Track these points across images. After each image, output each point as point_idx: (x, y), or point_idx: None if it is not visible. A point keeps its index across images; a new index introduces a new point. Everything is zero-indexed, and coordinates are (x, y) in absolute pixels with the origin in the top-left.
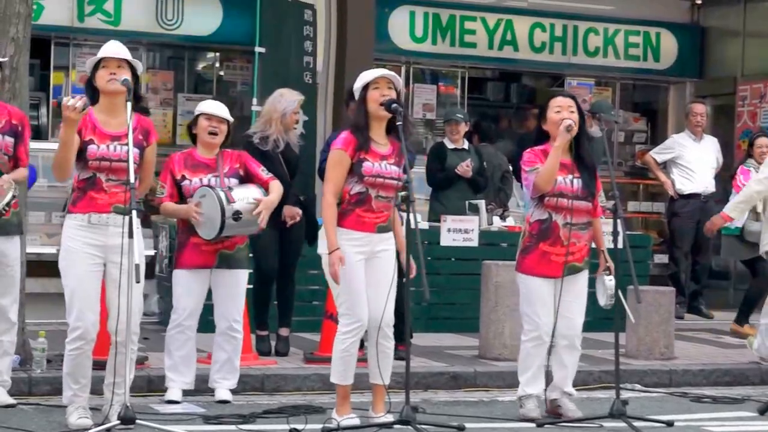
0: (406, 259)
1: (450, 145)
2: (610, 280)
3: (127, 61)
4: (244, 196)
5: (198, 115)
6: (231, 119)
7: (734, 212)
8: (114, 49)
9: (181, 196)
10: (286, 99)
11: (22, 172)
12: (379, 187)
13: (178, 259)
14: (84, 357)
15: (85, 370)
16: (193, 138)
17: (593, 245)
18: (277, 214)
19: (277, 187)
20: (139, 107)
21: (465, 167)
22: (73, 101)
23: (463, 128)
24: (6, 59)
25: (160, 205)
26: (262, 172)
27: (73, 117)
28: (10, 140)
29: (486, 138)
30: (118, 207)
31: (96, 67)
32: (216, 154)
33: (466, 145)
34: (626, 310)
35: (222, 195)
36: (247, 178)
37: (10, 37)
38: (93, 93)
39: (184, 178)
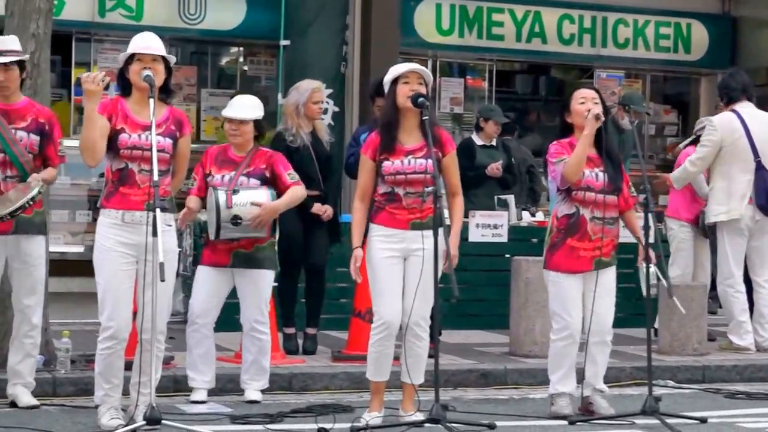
0: (435, 255)
1: (479, 142)
2: (652, 271)
3: (162, 57)
4: (248, 200)
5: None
6: (253, 117)
7: (677, 183)
8: (147, 43)
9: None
10: (299, 91)
11: (51, 172)
12: (404, 184)
13: (202, 255)
14: (115, 357)
15: (116, 370)
16: None
17: (623, 239)
18: (303, 210)
19: (292, 193)
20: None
21: (495, 169)
22: (92, 74)
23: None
24: (27, 56)
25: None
26: (287, 176)
27: (93, 89)
28: (35, 138)
29: (509, 132)
30: (151, 204)
31: (129, 59)
32: (248, 151)
33: (494, 141)
34: (677, 304)
35: (222, 198)
36: (272, 180)
37: (31, 33)
38: (124, 84)
39: (210, 173)
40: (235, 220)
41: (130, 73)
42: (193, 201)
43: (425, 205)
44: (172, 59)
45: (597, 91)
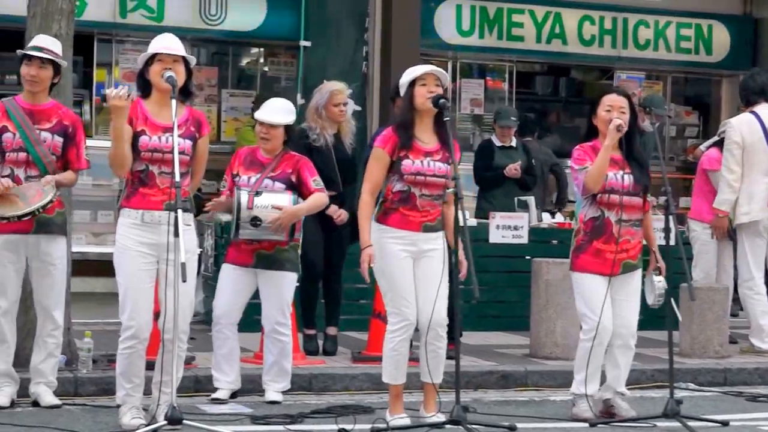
0: (454, 257)
1: (498, 143)
2: (659, 281)
3: (183, 57)
4: (269, 203)
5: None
6: (285, 122)
7: (726, 205)
8: (168, 43)
9: None
10: (321, 92)
11: (70, 175)
12: (422, 185)
13: (226, 254)
14: (136, 356)
15: (137, 369)
16: None
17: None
18: (321, 212)
19: (314, 199)
20: (191, 102)
21: (514, 170)
22: (117, 90)
23: (514, 129)
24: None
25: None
26: (312, 182)
27: (120, 104)
28: (59, 140)
29: (529, 133)
30: (170, 204)
31: (149, 60)
32: (276, 154)
33: (514, 142)
34: (675, 310)
35: (244, 199)
36: (298, 185)
37: (53, 34)
38: (144, 85)
39: (237, 174)
40: (255, 221)
41: (150, 73)
42: (224, 197)
43: (437, 208)
44: (193, 60)
45: (627, 96)
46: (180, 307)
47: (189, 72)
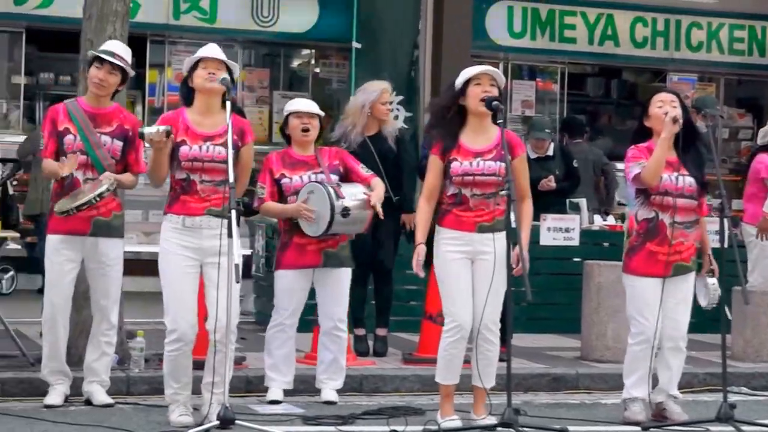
0: (508, 257)
1: (533, 155)
2: (713, 283)
3: (226, 65)
4: (352, 192)
5: (287, 115)
6: (321, 114)
7: None
8: (213, 51)
9: (281, 195)
10: (367, 91)
11: (130, 177)
12: (472, 186)
13: (281, 260)
14: (183, 357)
15: (184, 369)
16: (287, 139)
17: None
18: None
19: (379, 183)
20: (235, 108)
21: (547, 184)
22: (154, 132)
23: (548, 141)
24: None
25: (261, 206)
26: (362, 169)
27: (160, 146)
28: (118, 144)
29: (578, 135)
30: (212, 210)
31: (194, 67)
32: (313, 151)
33: (551, 151)
34: (727, 313)
35: (331, 190)
36: (347, 175)
37: (108, 36)
38: (188, 93)
39: (283, 176)
40: (346, 211)
41: (194, 78)
42: (278, 206)
43: (492, 207)
44: (236, 68)
45: (677, 94)
46: (232, 308)
47: (232, 80)
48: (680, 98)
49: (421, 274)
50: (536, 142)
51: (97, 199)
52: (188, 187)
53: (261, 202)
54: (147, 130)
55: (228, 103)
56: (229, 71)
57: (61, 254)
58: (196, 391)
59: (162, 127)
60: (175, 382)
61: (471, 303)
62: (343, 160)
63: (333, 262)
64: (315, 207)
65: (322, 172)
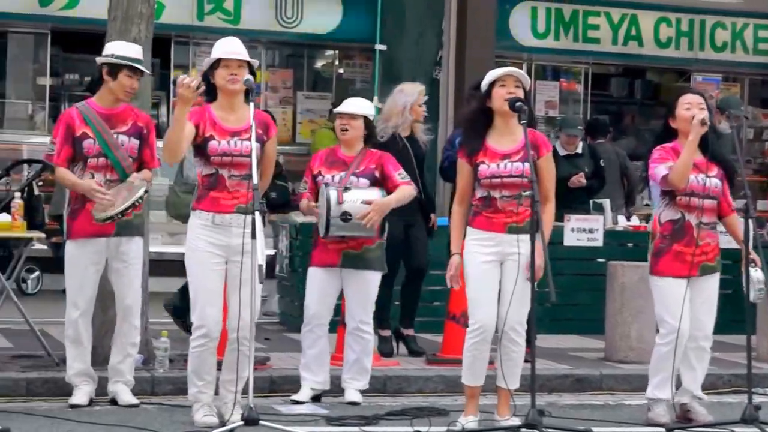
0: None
1: (562, 152)
2: (756, 271)
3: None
4: (359, 197)
5: (336, 115)
6: (363, 113)
7: None
8: (233, 48)
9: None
10: (406, 93)
11: (148, 174)
12: (500, 188)
13: (311, 256)
14: (208, 354)
15: (209, 367)
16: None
17: (722, 245)
18: (404, 213)
19: (401, 191)
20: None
21: (578, 181)
22: (189, 80)
23: (580, 137)
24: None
25: (301, 201)
26: (397, 176)
27: (188, 95)
28: (135, 142)
29: (601, 135)
30: (241, 207)
31: (215, 64)
32: (358, 151)
33: (580, 148)
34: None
35: (333, 194)
36: (382, 180)
37: (133, 37)
38: (210, 88)
39: (319, 173)
40: (345, 216)
41: (216, 77)
42: (305, 202)
43: (522, 209)
44: (256, 63)
45: (702, 95)
46: (253, 307)
47: (252, 75)
48: (706, 99)
49: (456, 286)
50: (568, 139)
51: (140, 201)
52: (217, 183)
53: (301, 197)
54: (180, 76)
55: (251, 105)
56: (250, 66)
57: (84, 257)
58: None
59: (197, 80)
60: (199, 379)
61: (496, 304)
62: (382, 165)
63: (355, 263)
64: (320, 208)
65: (352, 174)
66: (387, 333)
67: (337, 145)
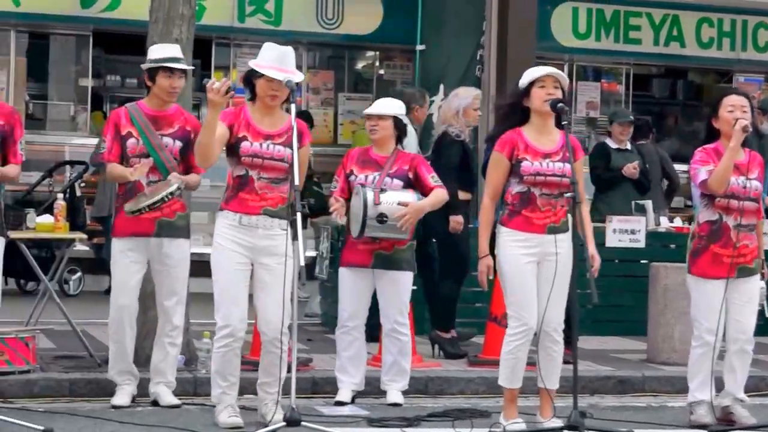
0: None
1: (613, 145)
2: (762, 287)
3: None
4: (395, 199)
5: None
6: (390, 113)
7: None
8: (280, 63)
9: (351, 192)
10: (460, 96)
11: (195, 177)
12: (542, 185)
13: (341, 257)
14: (232, 354)
15: (233, 368)
16: None
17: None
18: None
19: (435, 195)
20: (303, 113)
21: (632, 169)
22: (218, 84)
23: (631, 129)
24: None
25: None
26: (431, 179)
27: (218, 100)
28: (179, 145)
29: (643, 136)
30: (268, 210)
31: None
32: (390, 152)
33: (628, 145)
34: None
35: (369, 195)
36: (416, 182)
37: (174, 38)
38: (251, 88)
39: (351, 172)
40: (381, 217)
41: (257, 85)
42: (334, 200)
43: (558, 208)
44: (300, 78)
45: (747, 96)
46: (285, 309)
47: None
48: (750, 102)
49: (486, 288)
50: (621, 129)
51: (169, 197)
52: (246, 184)
53: (331, 195)
54: (210, 81)
55: (293, 106)
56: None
57: (127, 256)
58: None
59: (227, 83)
60: (223, 380)
61: (536, 305)
62: (416, 167)
63: (387, 264)
64: (354, 209)
65: (386, 175)
66: (450, 335)
67: (370, 145)
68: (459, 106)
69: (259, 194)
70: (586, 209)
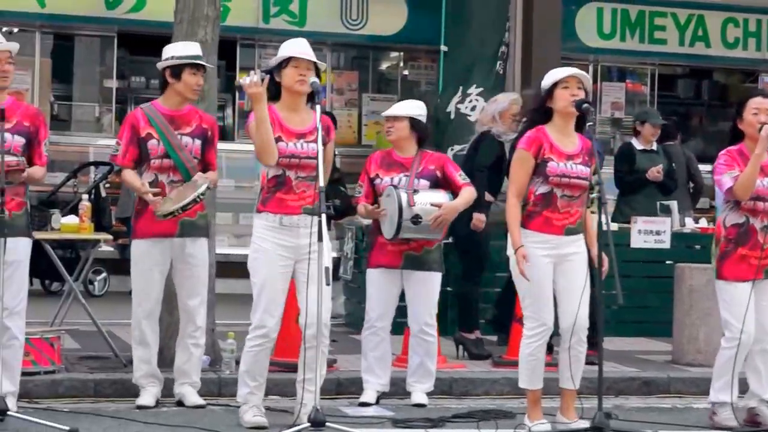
0: (598, 257)
1: (638, 146)
2: None
3: (314, 64)
4: (428, 200)
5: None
6: (405, 114)
7: None
8: (303, 49)
9: (375, 195)
10: (498, 101)
11: (214, 176)
12: (565, 187)
13: (369, 258)
14: (263, 354)
15: (262, 368)
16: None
17: None
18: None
19: (467, 194)
20: (325, 112)
21: (656, 173)
22: (251, 77)
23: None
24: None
25: (357, 206)
26: (459, 177)
27: (258, 91)
28: (199, 144)
29: (670, 137)
30: (308, 208)
31: (282, 63)
32: (415, 153)
33: (654, 146)
34: None
35: (404, 196)
36: (444, 181)
37: (199, 40)
38: (275, 88)
39: (377, 176)
40: (416, 218)
41: (283, 77)
42: (363, 207)
43: (575, 210)
44: (323, 66)
45: None
46: (324, 307)
47: (318, 77)
48: None
49: (529, 279)
50: (653, 130)
51: (201, 198)
52: (283, 184)
53: (357, 202)
54: (243, 80)
55: (318, 107)
56: (316, 68)
57: (149, 258)
58: (286, 393)
59: (258, 74)
60: (252, 380)
61: (553, 306)
62: (443, 167)
63: (416, 265)
64: (387, 211)
65: (409, 176)
66: (475, 335)
67: (391, 148)
68: (495, 110)
69: (297, 193)
70: (590, 215)
